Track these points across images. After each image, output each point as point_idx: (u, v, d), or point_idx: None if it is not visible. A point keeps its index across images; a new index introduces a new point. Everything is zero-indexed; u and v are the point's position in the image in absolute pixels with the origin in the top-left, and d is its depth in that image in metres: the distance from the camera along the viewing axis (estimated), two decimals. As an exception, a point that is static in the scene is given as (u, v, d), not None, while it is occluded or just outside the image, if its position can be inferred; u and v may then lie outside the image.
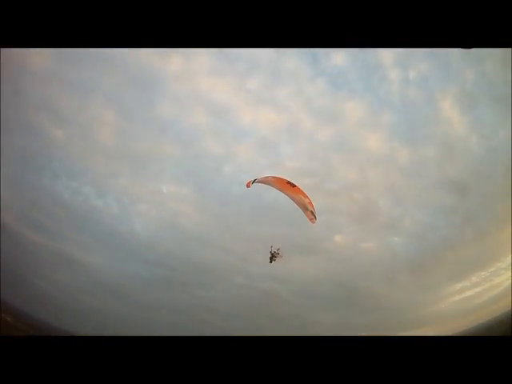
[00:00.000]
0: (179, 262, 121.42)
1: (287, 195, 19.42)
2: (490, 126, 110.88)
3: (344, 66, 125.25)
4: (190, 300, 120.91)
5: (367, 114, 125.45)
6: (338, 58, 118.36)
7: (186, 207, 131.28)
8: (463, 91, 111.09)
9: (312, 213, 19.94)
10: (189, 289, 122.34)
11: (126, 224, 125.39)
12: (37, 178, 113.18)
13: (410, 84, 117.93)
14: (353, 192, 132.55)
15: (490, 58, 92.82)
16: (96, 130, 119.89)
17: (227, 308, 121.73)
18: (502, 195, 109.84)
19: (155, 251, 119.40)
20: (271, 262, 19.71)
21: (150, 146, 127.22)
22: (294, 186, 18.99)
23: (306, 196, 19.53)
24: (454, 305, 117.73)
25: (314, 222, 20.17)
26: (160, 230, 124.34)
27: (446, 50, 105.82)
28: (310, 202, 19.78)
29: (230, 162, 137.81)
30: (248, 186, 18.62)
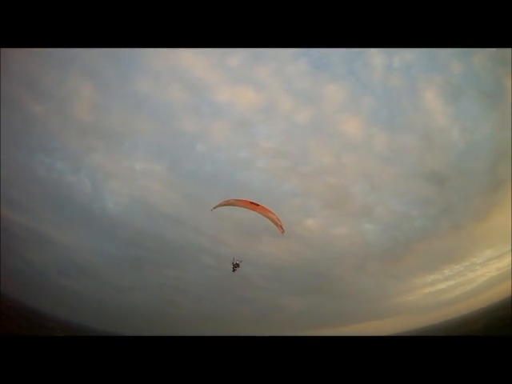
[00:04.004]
0: (149, 240, 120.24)
1: (256, 212, 20.15)
2: (473, 120, 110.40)
3: (327, 48, 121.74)
4: (159, 280, 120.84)
5: (347, 97, 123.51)
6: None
7: (158, 185, 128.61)
8: (448, 82, 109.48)
9: (281, 226, 21.05)
10: (159, 268, 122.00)
11: (99, 201, 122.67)
12: (12, 154, 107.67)
13: (393, 70, 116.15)
14: (327, 176, 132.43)
15: (478, 51, 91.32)
16: (73, 104, 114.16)
17: (196, 288, 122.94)
18: (480, 189, 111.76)
19: (126, 229, 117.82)
20: (234, 271, 21.65)
21: (124, 121, 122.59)
22: (258, 205, 19.68)
23: (272, 213, 20.49)
24: (423, 297, 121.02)
25: (283, 234, 21.55)
26: (132, 207, 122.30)
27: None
28: (278, 218, 20.85)
29: (203, 140, 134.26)
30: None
